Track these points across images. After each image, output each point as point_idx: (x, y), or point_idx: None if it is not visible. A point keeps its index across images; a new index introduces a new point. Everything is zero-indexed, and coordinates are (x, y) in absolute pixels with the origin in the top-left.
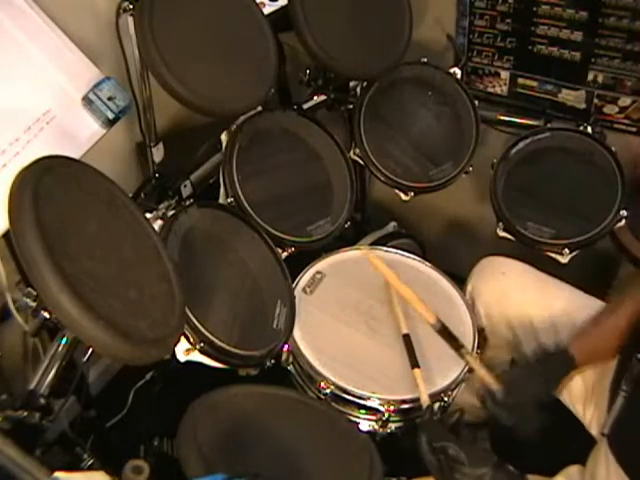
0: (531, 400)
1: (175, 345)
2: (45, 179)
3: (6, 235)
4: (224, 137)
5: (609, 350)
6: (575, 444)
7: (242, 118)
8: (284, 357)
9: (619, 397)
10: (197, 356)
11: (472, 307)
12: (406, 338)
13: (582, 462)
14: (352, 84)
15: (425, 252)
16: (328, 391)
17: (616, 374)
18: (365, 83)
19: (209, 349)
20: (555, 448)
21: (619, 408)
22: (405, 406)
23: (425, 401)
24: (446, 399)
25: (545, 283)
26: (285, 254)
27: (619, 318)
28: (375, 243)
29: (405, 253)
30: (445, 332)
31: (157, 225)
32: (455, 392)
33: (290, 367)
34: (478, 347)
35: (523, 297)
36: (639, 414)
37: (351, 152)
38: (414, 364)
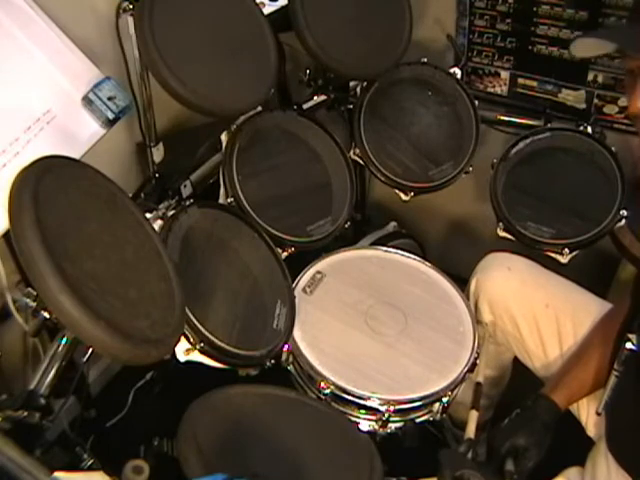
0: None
1: (175, 345)
2: (45, 179)
3: (6, 235)
4: (224, 137)
5: (592, 387)
6: (573, 445)
7: (242, 118)
8: (284, 357)
9: (612, 377)
10: (197, 356)
11: (473, 306)
12: (478, 386)
13: (580, 463)
14: (352, 84)
15: (425, 252)
16: (328, 391)
17: (611, 357)
18: (365, 83)
19: (209, 349)
20: (553, 449)
21: (612, 387)
22: (405, 406)
23: (470, 434)
24: (446, 399)
25: (550, 280)
26: (285, 254)
27: (589, 359)
28: (375, 243)
29: (405, 253)
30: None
31: (157, 225)
32: (455, 392)
33: (290, 367)
34: (478, 347)
35: (527, 293)
36: (629, 393)
37: (351, 152)
38: (475, 407)
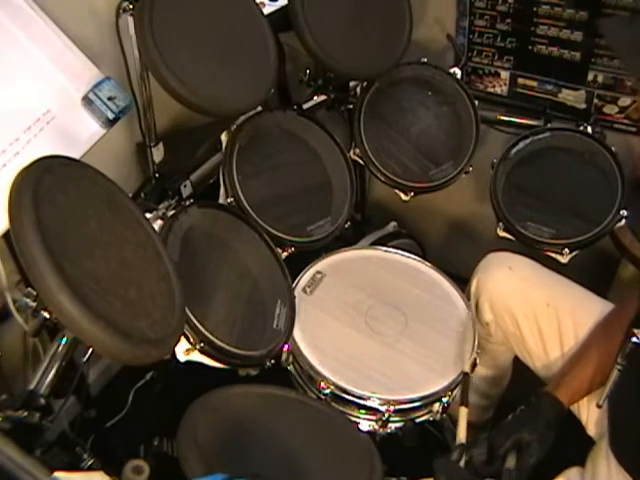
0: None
1: (175, 345)
2: (45, 179)
3: (6, 235)
4: (224, 137)
5: (593, 386)
6: (573, 445)
7: (242, 118)
8: (284, 357)
9: (614, 370)
10: (197, 356)
11: (474, 305)
12: (465, 377)
13: (581, 463)
14: (352, 84)
15: (425, 252)
16: (328, 391)
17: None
18: (365, 83)
19: (209, 349)
20: (554, 449)
21: (613, 380)
22: (405, 406)
23: (461, 439)
24: (446, 399)
25: (551, 279)
26: (285, 254)
27: (591, 357)
28: (375, 243)
29: (405, 253)
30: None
31: (157, 225)
32: (455, 392)
33: (290, 367)
34: (478, 347)
35: (528, 292)
36: (632, 390)
37: (351, 152)
38: (464, 403)
